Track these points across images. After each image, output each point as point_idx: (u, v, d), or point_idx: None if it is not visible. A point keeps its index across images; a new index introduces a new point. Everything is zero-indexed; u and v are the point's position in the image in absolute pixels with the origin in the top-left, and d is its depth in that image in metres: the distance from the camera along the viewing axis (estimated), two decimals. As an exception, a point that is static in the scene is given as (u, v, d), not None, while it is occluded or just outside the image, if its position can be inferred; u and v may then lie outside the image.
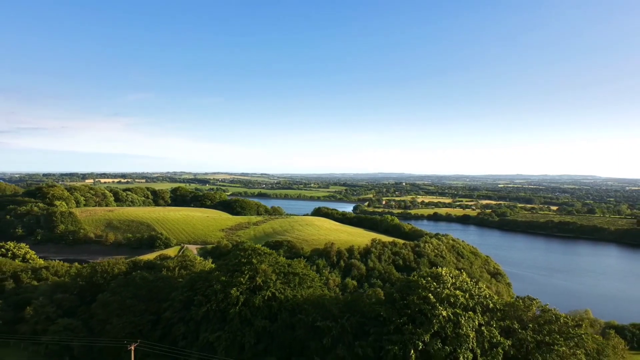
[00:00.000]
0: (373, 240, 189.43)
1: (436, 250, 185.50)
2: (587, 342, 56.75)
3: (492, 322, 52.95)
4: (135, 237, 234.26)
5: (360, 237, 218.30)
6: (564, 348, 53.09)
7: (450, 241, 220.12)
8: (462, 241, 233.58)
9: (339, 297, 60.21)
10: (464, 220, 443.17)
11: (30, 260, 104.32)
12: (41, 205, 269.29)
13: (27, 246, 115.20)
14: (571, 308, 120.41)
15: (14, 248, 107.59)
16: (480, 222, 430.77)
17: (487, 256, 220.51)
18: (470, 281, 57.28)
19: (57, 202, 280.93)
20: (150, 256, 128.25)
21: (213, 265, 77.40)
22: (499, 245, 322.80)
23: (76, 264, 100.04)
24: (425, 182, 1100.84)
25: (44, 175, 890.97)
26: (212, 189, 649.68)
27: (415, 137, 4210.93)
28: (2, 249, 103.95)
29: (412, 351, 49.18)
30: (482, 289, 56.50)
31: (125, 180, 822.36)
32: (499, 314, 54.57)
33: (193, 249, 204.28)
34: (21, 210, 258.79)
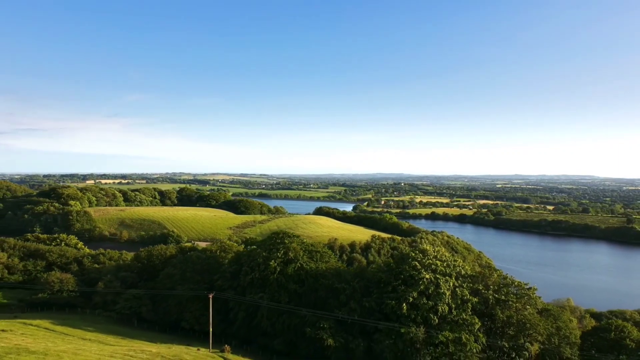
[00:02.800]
0: (373, 237, 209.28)
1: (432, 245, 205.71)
2: (536, 301, 77.30)
3: (463, 285, 73.26)
4: (148, 234, 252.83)
5: (361, 234, 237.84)
6: (517, 304, 73.56)
7: (445, 237, 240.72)
8: (457, 238, 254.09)
9: (350, 269, 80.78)
10: (461, 219, 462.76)
11: (80, 249, 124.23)
12: (56, 205, 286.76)
13: (76, 238, 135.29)
14: (555, 297, 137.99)
15: (67, 239, 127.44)
16: (477, 221, 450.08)
17: (480, 252, 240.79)
18: (449, 256, 77.73)
19: (72, 202, 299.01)
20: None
21: (244, 249, 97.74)
22: (493, 243, 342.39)
23: (124, 251, 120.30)
24: (424, 183, 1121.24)
25: (44, 176, 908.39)
26: (213, 190, 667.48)
27: (414, 137, 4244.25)
28: (57, 240, 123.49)
29: (404, 304, 69.34)
30: (457, 261, 77.02)
31: (126, 181, 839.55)
32: (469, 279, 75.00)
33: (204, 245, 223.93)
34: (38, 209, 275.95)
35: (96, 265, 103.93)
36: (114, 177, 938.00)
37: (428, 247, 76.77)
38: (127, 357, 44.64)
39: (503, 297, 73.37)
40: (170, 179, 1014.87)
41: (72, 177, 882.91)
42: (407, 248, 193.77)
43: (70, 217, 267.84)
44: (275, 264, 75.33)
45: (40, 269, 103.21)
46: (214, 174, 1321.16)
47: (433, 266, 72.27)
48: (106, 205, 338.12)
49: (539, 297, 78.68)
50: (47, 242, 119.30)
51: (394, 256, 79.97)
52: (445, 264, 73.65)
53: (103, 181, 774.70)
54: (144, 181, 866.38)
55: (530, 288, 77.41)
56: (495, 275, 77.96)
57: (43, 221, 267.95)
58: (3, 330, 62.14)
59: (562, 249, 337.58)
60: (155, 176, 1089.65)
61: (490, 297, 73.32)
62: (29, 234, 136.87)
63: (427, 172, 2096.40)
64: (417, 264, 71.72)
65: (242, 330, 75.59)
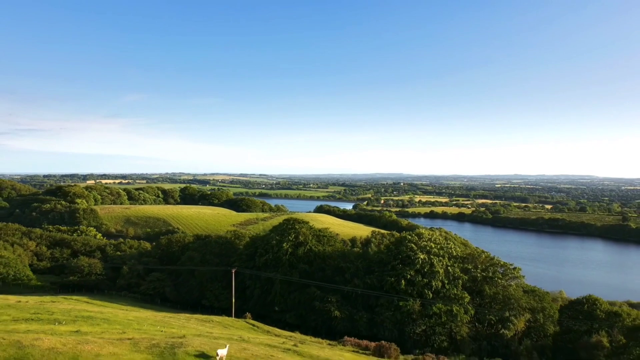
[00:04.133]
0: (373, 232, 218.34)
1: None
2: (521, 279, 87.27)
3: (455, 264, 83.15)
4: (154, 231, 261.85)
5: (361, 230, 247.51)
6: (502, 281, 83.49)
7: (443, 233, 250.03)
8: (455, 234, 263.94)
9: (354, 250, 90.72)
10: (459, 217, 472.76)
11: (100, 239, 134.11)
12: (63, 203, 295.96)
13: (94, 229, 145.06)
14: (548, 290, 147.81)
15: (86, 230, 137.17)
16: (475, 219, 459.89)
17: (476, 247, 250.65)
18: (442, 240, 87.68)
19: (78, 200, 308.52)
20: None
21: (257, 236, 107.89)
22: (491, 240, 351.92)
23: (142, 242, 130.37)
24: (423, 182, 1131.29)
25: (45, 176, 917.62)
26: (214, 189, 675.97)
27: (414, 137, 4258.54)
28: (78, 231, 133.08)
29: (402, 281, 79.15)
30: (449, 244, 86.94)
31: (126, 181, 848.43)
32: (460, 259, 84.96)
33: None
34: (45, 207, 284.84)
35: (118, 253, 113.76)
36: (114, 177, 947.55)
37: (423, 231, 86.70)
38: (174, 319, 54.10)
39: (490, 275, 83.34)
40: (170, 178, 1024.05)
41: (72, 177, 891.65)
42: (405, 233, 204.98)
43: (78, 215, 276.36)
44: (287, 246, 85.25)
45: (66, 256, 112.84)
46: (213, 174, 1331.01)
47: (428, 248, 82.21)
48: (111, 204, 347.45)
49: (524, 277, 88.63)
50: (69, 233, 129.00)
51: (393, 240, 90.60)
52: (438, 246, 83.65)
53: (103, 181, 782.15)
54: (144, 181, 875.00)
55: (515, 268, 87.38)
56: (484, 256, 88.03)
57: (51, 219, 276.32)
58: (53, 302, 71.84)
59: (558, 246, 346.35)
60: (155, 176, 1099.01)
61: (479, 275, 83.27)
62: (50, 226, 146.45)
63: (426, 172, 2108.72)
64: (414, 246, 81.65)
65: (257, 306, 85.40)
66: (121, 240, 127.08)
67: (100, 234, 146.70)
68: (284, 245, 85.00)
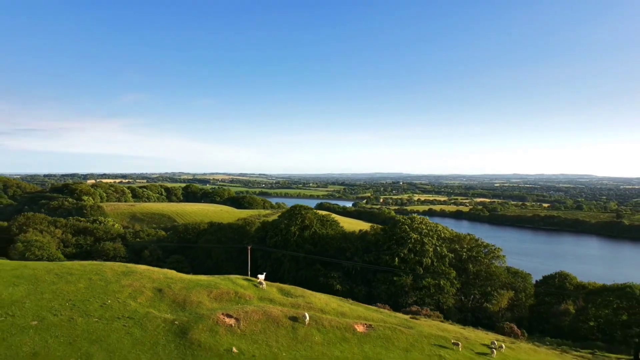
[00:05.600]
0: (372, 226, 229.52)
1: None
2: (503, 259, 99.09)
3: (443, 245, 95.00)
4: (160, 227, 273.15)
5: (360, 226, 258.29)
6: (485, 260, 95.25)
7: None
8: (451, 230, 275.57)
9: (354, 233, 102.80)
10: (457, 215, 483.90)
11: (117, 228, 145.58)
12: (71, 200, 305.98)
13: (111, 219, 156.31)
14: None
15: (105, 221, 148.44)
16: (472, 217, 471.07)
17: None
18: (432, 223, 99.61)
19: (85, 197, 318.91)
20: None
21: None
22: (487, 236, 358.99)
23: (160, 230, 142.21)
24: (422, 182, 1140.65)
25: (45, 176, 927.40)
26: (214, 188, 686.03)
27: (413, 137, 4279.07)
28: (97, 222, 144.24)
29: (396, 259, 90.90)
30: (438, 227, 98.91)
31: (126, 180, 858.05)
32: (447, 240, 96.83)
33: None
34: (53, 204, 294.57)
35: (138, 240, 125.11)
36: (114, 176, 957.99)
37: (415, 215, 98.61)
38: (202, 280, 65.44)
39: (474, 255, 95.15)
40: (170, 178, 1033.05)
41: (73, 176, 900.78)
42: (399, 216, 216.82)
43: (85, 212, 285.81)
44: (295, 229, 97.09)
45: (90, 242, 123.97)
46: (213, 173, 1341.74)
47: (419, 229, 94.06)
48: (116, 201, 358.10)
49: (504, 256, 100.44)
50: (90, 223, 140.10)
51: (389, 223, 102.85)
52: (428, 228, 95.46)
53: (103, 180, 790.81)
54: (145, 181, 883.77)
55: (497, 249, 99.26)
56: (469, 238, 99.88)
57: (59, 215, 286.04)
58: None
59: (553, 242, 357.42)
60: (155, 176, 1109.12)
61: (464, 254, 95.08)
62: (71, 217, 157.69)
63: (425, 172, 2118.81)
64: (407, 227, 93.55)
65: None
66: (138, 227, 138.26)
67: (118, 224, 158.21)
68: (292, 228, 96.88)
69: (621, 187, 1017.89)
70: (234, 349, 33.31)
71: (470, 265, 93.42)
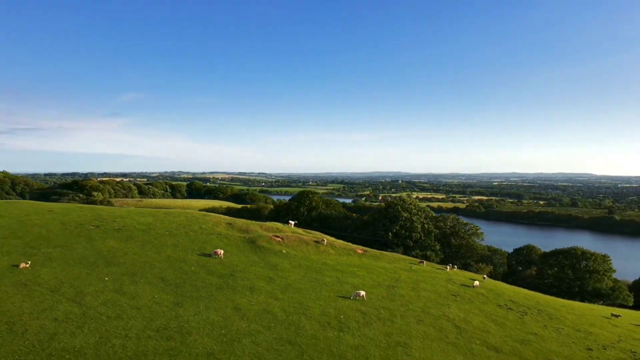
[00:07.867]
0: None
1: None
2: (481, 236, 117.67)
3: (430, 222, 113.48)
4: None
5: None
6: (466, 235, 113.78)
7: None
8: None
9: (354, 214, 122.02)
10: (454, 211, 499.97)
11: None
12: (81, 195, 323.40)
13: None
14: None
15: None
16: (469, 213, 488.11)
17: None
18: (421, 204, 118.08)
19: (95, 193, 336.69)
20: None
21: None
22: (483, 231, 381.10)
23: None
24: (421, 180, 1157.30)
25: (45, 175, 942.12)
26: (215, 186, 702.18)
27: (412, 136, 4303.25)
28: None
29: (390, 234, 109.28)
30: (426, 208, 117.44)
31: (127, 179, 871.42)
32: (433, 219, 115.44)
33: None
34: (64, 200, 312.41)
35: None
36: (115, 175, 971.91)
37: (406, 198, 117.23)
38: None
39: (456, 231, 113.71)
40: (170, 177, 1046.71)
41: (73, 175, 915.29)
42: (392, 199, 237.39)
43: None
44: (304, 210, 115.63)
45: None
46: (212, 172, 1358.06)
47: (409, 209, 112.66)
48: (122, 197, 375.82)
49: (482, 233, 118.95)
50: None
51: (383, 204, 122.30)
52: (417, 209, 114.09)
53: (104, 179, 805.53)
54: (145, 179, 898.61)
55: (475, 226, 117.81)
56: (451, 217, 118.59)
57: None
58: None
59: (546, 236, 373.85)
60: (155, 175, 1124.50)
61: (447, 230, 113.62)
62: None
63: (424, 171, 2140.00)
64: (399, 208, 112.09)
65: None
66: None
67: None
68: (301, 209, 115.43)
69: (619, 185, 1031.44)
70: (283, 250, 58.17)
71: (453, 240, 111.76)
